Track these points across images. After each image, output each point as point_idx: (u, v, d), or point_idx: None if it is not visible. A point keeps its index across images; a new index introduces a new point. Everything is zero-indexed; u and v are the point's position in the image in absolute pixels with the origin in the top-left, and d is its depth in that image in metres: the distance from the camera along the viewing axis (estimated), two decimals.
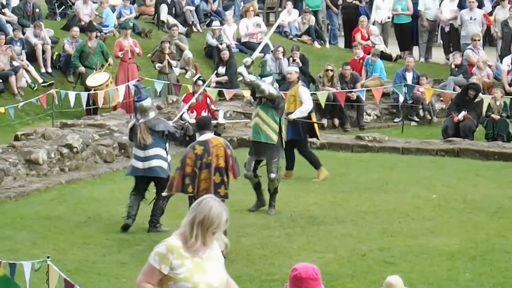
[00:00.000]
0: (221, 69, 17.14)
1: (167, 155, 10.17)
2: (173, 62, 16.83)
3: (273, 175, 10.74)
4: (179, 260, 4.84)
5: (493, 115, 15.10)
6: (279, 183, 10.94)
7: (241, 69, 10.86)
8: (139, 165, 10.07)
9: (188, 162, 9.19)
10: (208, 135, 9.30)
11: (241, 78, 10.90)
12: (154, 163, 10.04)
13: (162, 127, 10.08)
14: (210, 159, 9.16)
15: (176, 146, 14.54)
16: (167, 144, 10.24)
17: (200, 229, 4.80)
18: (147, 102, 10.11)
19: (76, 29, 17.18)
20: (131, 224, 10.09)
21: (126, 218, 10.09)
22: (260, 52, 18.78)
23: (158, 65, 16.70)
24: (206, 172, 9.19)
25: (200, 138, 9.31)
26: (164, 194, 9.73)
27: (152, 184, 10.31)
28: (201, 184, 9.22)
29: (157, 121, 10.15)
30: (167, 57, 16.66)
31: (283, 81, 17.14)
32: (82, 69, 16.27)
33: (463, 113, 15.07)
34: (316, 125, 12.46)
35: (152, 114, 10.12)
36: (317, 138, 12.97)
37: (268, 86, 10.72)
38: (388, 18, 19.91)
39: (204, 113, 14.88)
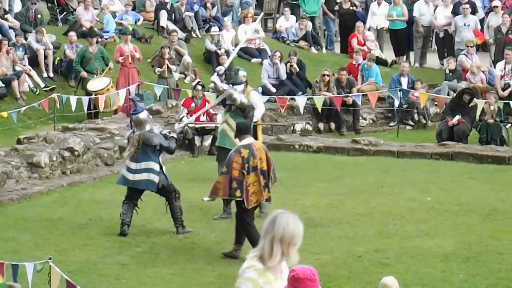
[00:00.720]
0: None
1: (160, 168, 10.18)
2: (173, 67, 17.00)
3: None
4: (268, 286, 4.75)
5: (487, 119, 15.28)
6: None
7: (214, 78, 10.93)
8: (130, 176, 10.15)
9: (235, 166, 9.19)
10: (250, 139, 9.40)
11: (212, 85, 10.97)
12: (144, 176, 10.09)
13: (155, 141, 10.07)
14: (256, 162, 9.22)
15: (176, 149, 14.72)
16: (160, 158, 10.27)
17: (281, 246, 4.69)
18: (143, 115, 10.17)
19: (72, 34, 17.36)
20: (127, 230, 10.21)
21: (122, 226, 10.21)
22: (258, 58, 19.07)
23: (158, 69, 16.88)
24: (253, 175, 9.22)
25: (243, 142, 9.36)
26: (206, 199, 9.73)
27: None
28: (250, 188, 9.22)
29: (151, 135, 10.11)
30: (166, 62, 16.84)
31: (281, 85, 17.37)
32: (84, 73, 16.44)
33: (457, 117, 15.26)
34: (259, 129, 12.35)
35: (147, 127, 10.16)
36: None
37: (240, 95, 10.75)
38: (384, 25, 20.11)
39: (203, 117, 15.08)
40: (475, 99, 15.66)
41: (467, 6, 19.18)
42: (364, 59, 18.08)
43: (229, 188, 9.22)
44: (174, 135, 10.47)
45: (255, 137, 11.68)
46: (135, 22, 19.70)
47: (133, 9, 20.12)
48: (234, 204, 9.64)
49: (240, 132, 9.51)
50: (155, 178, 10.13)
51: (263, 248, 4.71)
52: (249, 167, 9.19)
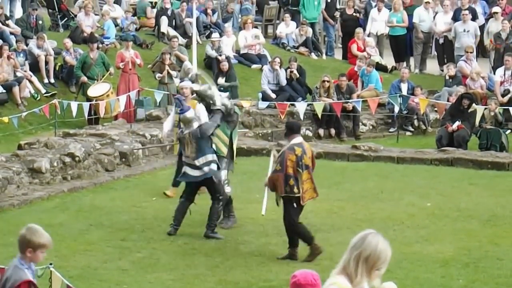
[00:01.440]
0: (221, 80, 17.36)
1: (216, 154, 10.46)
2: (173, 73, 17.05)
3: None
4: None
5: (485, 125, 15.32)
6: (230, 194, 10.82)
7: (188, 83, 11.06)
8: (195, 173, 10.35)
9: (289, 164, 9.34)
10: (300, 138, 9.60)
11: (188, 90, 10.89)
12: (206, 169, 10.33)
13: (209, 131, 10.34)
14: (308, 160, 9.44)
15: (176, 155, 14.76)
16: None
17: (365, 266, 4.53)
18: (190, 114, 10.43)
19: (67, 41, 17.42)
20: (173, 232, 10.38)
21: (171, 225, 10.39)
22: (258, 64, 19.09)
23: (158, 75, 16.92)
24: (306, 173, 9.41)
25: (295, 140, 9.49)
26: (264, 212, 9.91)
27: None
28: (304, 185, 9.39)
29: (202, 129, 10.37)
30: (167, 67, 16.88)
31: (280, 92, 17.40)
32: (84, 79, 16.48)
33: (457, 123, 15.29)
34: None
35: (195, 125, 10.41)
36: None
37: (223, 98, 10.80)
38: (384, 31, 20.16)
39: None
40: (474, 104, 15.69)
41: (467, 12, 19.23)
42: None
43: (285, 185, 9.34)
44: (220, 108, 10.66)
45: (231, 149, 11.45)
46: (136, 30, 19.75)
47: (134, 15, 20.15)
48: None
49: (292, 131, 9.60)
50: (214, 167, 10.38)
51: (348, 263, 4.57)
52: (302, 165, 9.36)
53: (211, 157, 10.35)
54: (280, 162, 9.42)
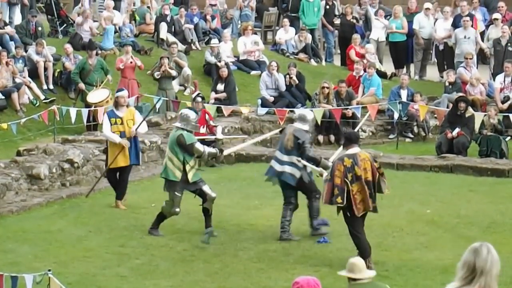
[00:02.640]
0: (220, 86, 17.36)
1: (304, 165, 10.52)
2: (172, 72, 17.05)
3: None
4: None
5: (485, 131, 15.31)
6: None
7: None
8: (277, 167, 10.59)
9: (337, 174, 9.38)
10: (356, 149, 9.53)
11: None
12: (288, 169, 10.51)
13: (303, 138, 10.51)
14: (360, 172, 9.36)
15: None
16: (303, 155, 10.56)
17: (483, 278, 4.48)
18: (310, 115, 10.96)
19: (68, 46, 17.42)
20: (284, 236, 10.47)
21: (281, 231, 10.49)
22: (257, 70, 19.08)
23: (157, 73, 16.89)
24: (358, 185, 9.36)
25: (349, 151, 9.51)
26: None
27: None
28: (357, 196, 9.38)
29: (302, 133, 10.61)
30: (165, 66, 16.87)
31: (280, 98, 17.40)
32: (81, 85, 16.47)
33: (457, 130, 15.28)
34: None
35: (306, 127, 10.69)
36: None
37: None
38: (383, 37, 20.19)
39: (203, 129, 15.09)
40: (471, 109, 15.68)
41: (468, 18, 19.24)
42: (364, 70, 18.12)
43: (331, 195, 9.41)
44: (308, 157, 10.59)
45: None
46: (135, 36, 19.75)
47: (134, 20, 20.13)
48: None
49: (349, 141, 9.63)
50: (297, 173, 10.47)
51: (462, 279, 4.49)
52: (353, 176, 9.35)
53: (296, 159, 10.48)
54: (330, 172, 9.52)
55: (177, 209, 10.58)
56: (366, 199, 9.39)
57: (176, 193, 10.53)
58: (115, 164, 11.89)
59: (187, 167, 10.50)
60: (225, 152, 10.89)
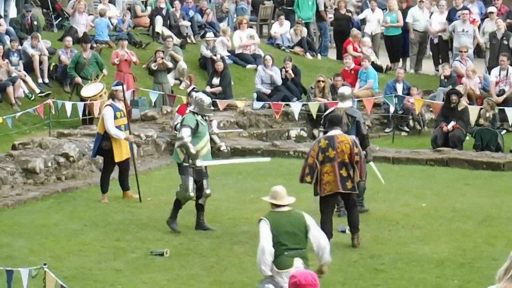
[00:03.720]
0: (215, 80, 17.35)
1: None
2: (169, 63, 17.04)
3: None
4: None
5: (482, 123, 15.33)
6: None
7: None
8: None
9: (312, 154, 9.78)
10: (335, 131, 9.82)
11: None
12: None
13: (357, 116, 10.97)
14: (334, 154, 9.64)
15: (171, 155, 14.74)
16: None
17: None
18: (347, 91, 11.40)
19: (69, 39, 17.35)
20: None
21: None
22: (253, 64, 19.07)
23: (154, 64, 16.86)
24: (329, 166, 9.65)
25: (329, 133, 9.85)
26: None
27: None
28: (324, 177, 9.68)
29: (354, 110, 11.20)
30: (161, 58, 16.84)
31: (276, 91, 17.39)
32: (78, 79, 16.44)
33: (452, 123, 15.30)
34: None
35: (349, 103, 11.16)
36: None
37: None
38: (378, 31, 20.17)
39: None
40: (464, 102, 15.69)
41: (466, 11, 19.25)
42: (356, 64, 18.11)
43: (302, 174, 9.80)
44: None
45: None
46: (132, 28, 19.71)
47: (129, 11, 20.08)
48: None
49: (331, 123, 10.01)
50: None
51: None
52: (325, 157, 9.65)
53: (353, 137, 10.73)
54: (308, 152, 9.98)
55: (191, 194, 10.47)
56: (335, 181, 9.66)
57: (186, 176, 10.45)
58: (119, 158, 11.84)
59: None
60: (199, 163, 10.41)
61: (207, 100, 10.57)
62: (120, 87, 12.04)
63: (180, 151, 10.45)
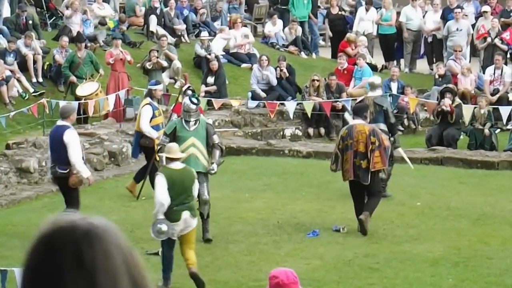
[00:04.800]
0: (210, 79, 17.33)
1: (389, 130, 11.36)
2: (164, 62, 17.01)
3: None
4: None
5: (484, 130, 15.30)
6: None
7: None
8: None
9: (336, 142, 10.66)
10: (356, 121, 10.44)
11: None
12: None
13: (385, 105, 11.41)
14: (351, 143, 10.19)
15: None
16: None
17: None
18: (377, 80, 12.00)
19: (65, 39, 17.30)
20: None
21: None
22: (248, 63, 19.07)
23: (148, 63, 16.83)
24: (348, 154, 10.25)
25: (351, 123, 10.46)
26: None
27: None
28: (344, 165, 10.32)
29: (382, 99, 11.57)
30: (155, 58, 16.82)
31: (270, 91, 17.38)
32: (73, 78, 16.39)
33: (448, 101, 15.11)
34: None
35: (379, 92, 11.53)
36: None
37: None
38: (372, 30, 20.17)
39: None
40: (458, 99, 15.69)
41: (459, 10, 19.26)
42: (349, 64, 18.10)
43: (330, 162, 10.61)
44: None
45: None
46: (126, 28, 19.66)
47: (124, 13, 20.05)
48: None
49: (353, 113, 10.84)
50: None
51: None
52: (345, 145, 10.27)
53: (381, 126, 11.19)
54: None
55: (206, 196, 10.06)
56: (349, 169, 10.20)
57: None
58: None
59: None
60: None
61: (191, 106, 10.15)
62: (159, 86, 11.99)
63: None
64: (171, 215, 8.36)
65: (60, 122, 10.05)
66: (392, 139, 11.07)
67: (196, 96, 10.24)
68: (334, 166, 10.40)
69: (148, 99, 12.02)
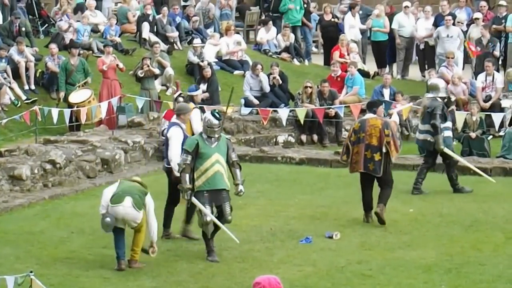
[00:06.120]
0: (203, 86, 17.34)
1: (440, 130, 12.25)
2: (156, 70, 17.01)
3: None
4: None
5: (470, 134, 15.35)
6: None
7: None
8: (420, 136, 12.61)
9: (348, 135, 11.12)
10: (369, 115, 10.97)
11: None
12: (422, 137, 12.55)
13: (432, 106, 12.17)
14: (363, 136, 10.66)
15: (158, 161, 14.72)
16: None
17: None
18: (441, 83, 12.73)
19: (53, 46, 17.31)
20: (415, 192, 12.56)
21: (414, 187, 12.50)
22: (240, 70, 19.09)
23: (140, 71, 16.84)
24: (359, 147, 10.67)
25: (364, 117, 10.96)
26: None
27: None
28: (354, 157, 10.77)
29: (433, 101, 12.28)
30: (148, 66, 16.81)
31: (263, 98, 17.41)
32: (62, 93, 16.34)
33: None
34: None
35: (442, 94, 12.30)
36: None
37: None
38: (360, 37, 20.25)
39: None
40: (450, 105, 15.76)
41: (450, 17, 19.34)
42: (343, 71, 18.15)
43: (341, 153, 11.12)
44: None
45: None
46: (119, 35, 19.67)
47: (116, 22, 20.04)
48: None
49: (367, 107, 11.45)
50: (431, 138, 12.32)
51: None
52: (357, 138, 10.71)
53: (428, 127, 12.31)
54: None
55: (207, 218, 9.60)
56: (360, 161, 10.66)
57: (199, 202, 9.62)
58: None
59: (195, 174, 9.61)
60: (193, 200, 9.64)
61: (214, 121, 9.62)
62: (199, 91, 12.19)
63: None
64: (115, 198, 9.36)
65: (173, 119, 10.50)
66: (432, 140, 12.24)
67: (218, 112, 9.97)
68: (345, 157, 10.88)
69: (193, 104, 12.16)
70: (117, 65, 16.72)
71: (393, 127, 10.90)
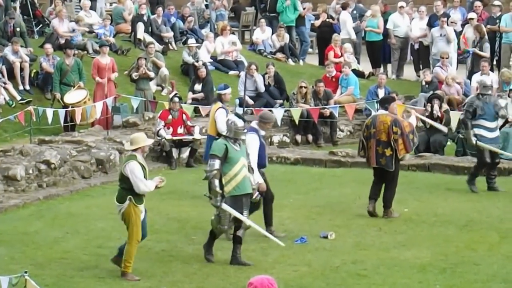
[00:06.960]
0: (197, 86, 17.35)
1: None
2: (150, 73, 17.00)
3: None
4: None
5: (461, 135, 15.38)
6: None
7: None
8: (488, 135, 12.58)
9: (362, 130, 11.66)
10: (380, 112, 11.32)
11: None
12: (496, 134, 12.80)
13: (466, 102, 12.81)
14: (374, 131, 11.05)
15: (153, 161, 14.72)
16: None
17: None
18: (484, 79, 13.35)
19: (48, 46, 17.29)
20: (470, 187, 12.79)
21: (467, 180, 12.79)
22: (235, 70, 19.09)
23: (135, 74, 16.83)
24: (371, 142, 11.12)
25: (376, 113, 11.27)
26: None
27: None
28: (368, 152, 11.20)
29: (469, 98, 12.88)
30: (143, 67, 16.80)
31: (258, 97, 17.42)
32: (57, 95, 16.31)
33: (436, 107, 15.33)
34: None
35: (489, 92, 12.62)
36: None
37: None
38: (354, 36, 20.28)
39: (180, 129, 15.09)
40: (445, 105, 15.76)
41: (445, 18, 19.39)
42: (337, 71, 18.17)
43: (358, 149, 11.51)
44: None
45: None
46: (113, 35, 19.65)
47: (110, 23, 20.04)
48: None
49: (379, 103, 11.81)
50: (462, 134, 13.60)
51: None
52: (369, 133, 11.15)
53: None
54: None
55: (225, 227, 9.46)
56: (372, 156, 11.08)
57: (221, 207, 9.38)
58: None
59: (224, 179, 9.36)
60: (223, 206, 9.35)
61: (241, 123, 9.45)
62: (228, 90, 11.98)
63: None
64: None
65: (253, 124, 10.28)
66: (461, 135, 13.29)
67: (240, 114, 9.97)
68: (362, 152, 11.28)
69: (219, 103, 11.90)
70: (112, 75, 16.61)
71: (405, 126, 11.09)
